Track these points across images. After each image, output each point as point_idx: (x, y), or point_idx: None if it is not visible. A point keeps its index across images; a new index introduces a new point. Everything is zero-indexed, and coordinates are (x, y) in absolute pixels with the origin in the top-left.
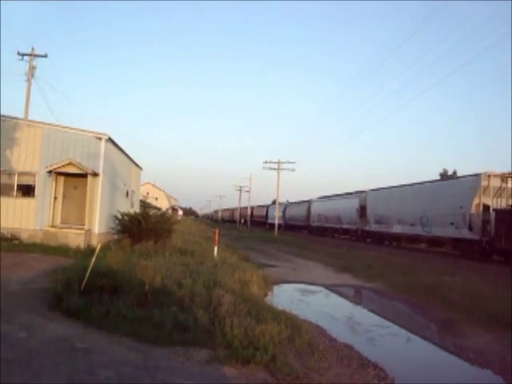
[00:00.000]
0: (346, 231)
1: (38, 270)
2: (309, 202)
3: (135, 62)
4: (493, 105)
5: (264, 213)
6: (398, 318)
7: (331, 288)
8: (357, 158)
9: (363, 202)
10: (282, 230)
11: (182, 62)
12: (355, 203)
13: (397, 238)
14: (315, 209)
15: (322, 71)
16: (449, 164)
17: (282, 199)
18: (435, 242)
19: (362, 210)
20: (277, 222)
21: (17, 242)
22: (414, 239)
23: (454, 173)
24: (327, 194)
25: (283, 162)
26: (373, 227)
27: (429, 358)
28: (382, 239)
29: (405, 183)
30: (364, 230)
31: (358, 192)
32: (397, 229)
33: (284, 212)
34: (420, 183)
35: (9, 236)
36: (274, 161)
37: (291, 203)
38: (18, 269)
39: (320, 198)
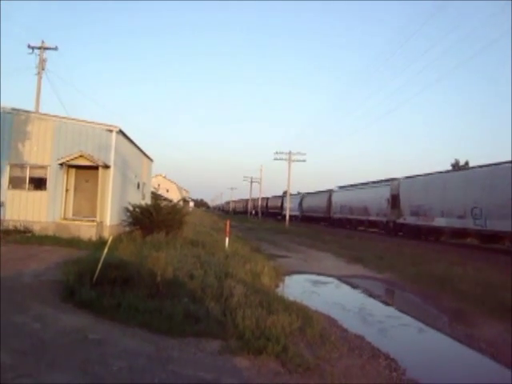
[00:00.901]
0: (373, 223)
1: (50, 262)
2: (329, 191)
3: (147, 54)
4: (503, 95)
5: (279, 204)
6: (409, 308)
7: (342, 279)
8: (367, 149)
9: (395, 190)
10: (297, 222)
11: (194, 53)
12: (385, 192)
13: (439, 232)
14: (337, 199)
15: (334, 61)
16: (455, 155)
17: (293, 191)
18: (490, 236)
19: (394, 200)
20: (288, 213)
21: (29, 234)
22: (460, 233)
23: (466, 163)
24: (346, 184)
25: (294, 153)
26: (408, 219)
27: (440, 348)
28: (419, 233)
29: (445, 170)
30: (397, 222)
31: (388, 180)
32: (439, 222)
33: (300, 203)
34: (470, 168)
35: (21, 228)
36: (284, 152)
37: (309, 193)
38: (31, 261)
39: (342, 187)
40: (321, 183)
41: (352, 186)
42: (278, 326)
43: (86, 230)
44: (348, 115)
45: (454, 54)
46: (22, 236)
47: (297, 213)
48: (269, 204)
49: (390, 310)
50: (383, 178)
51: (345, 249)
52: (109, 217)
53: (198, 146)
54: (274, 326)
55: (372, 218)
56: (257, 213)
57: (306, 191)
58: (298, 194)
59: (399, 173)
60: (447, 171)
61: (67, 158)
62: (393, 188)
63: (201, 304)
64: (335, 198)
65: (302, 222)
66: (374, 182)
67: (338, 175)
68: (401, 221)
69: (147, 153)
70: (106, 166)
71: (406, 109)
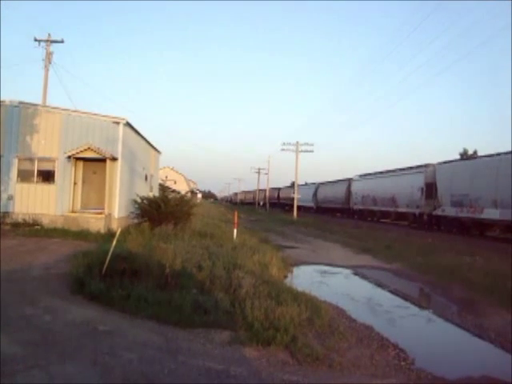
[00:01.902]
0: (402, 216)
1: (59, 254)
2: (348, 180)
3: (154, 46)
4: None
5: (291, 195)
6: (417, 298)
7: (350, 269)
8: (374, 140)
9: (430, 178)
10: (311, 214)
11: (202, 46)
12: (418, 180)
13: (487, 226)
14: (358, 189)
15: (342, 51)
16: (460, 144)
17: (301, 182)
18: None
19: (430, 189)
20: (296, 203)
21: (38, 227)
22: None
23: (475, 152)
24: (367, 172)
25: (301, 144)
26: (448, 211)
27: (449, 338)
28: (460, 227)
29: (497, 152)
30: (434, 214)
31: (420, 166)
32: (490, 213)
33: (315, 193)
34: None
35: (30, 221)
36: (292, 143)
37: (324, 183)
38: (40, 253)
39: (364, 175)
40: (329, 174)
41: (375, 173)
42: (287, 316)
43: (95, 223)
44: (355, 105)
45: (467, 42)
46: (31, 229)
47: (311, 204)
48: (280, 195)
49: (399, 300)
50: (414, 164)
51: (353, 239)
52: (117, 209)
53: (205, 138)
54: (283, 317)
55: (401, 209)
56: (265, 204)
57: (315, 181)
58: (312, 184)
59: (407, 163)
60: (498, 153)
61: (75, 151)
62: (427, 175)
63: (209, 295)
64: (355, 188)
65: (317, 214)
66: (402, 169)
67: (344, 166)
68: (438, 213)
69: (155, 145)
70: (114, 159)
71: (415, 98)
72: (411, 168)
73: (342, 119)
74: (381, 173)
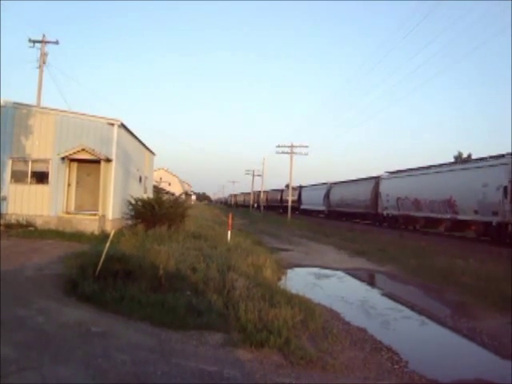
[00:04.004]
0: (463, 225)
1: (53, 255)
2: (375, 179)
3: (150, 48)
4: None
5: (295, 197)
6: (411, 301)
7: (345, 272)
8: (369, 142)
9: None
10: (322, 219)
11: (197, 48)
12: (497, 176)
13: None
14: (390, 189)
15: (335, 55)
16: (454, 147)
17: (295, 184)
18: None
19: None
20: (290, 205)
21: (32, 228)
22: None
23: (469, 156)
24: (397, 169)
25: (296, 146)
26: None
27: (443, 341)
28: None
29: None
30: None
31: (496, 157)
32: None
33: (327, 195)
34: None
35: (24, 223)
36: (286, 145)
37: (339, 183)
38: (34, 255)
39: (396, 172)
40: (324, 177)
41: (417, 169)
42: (281, 318)
43: (88, 224)
44: (350, 107)
45: (460, 46)
46: (25, 230)
47: (321, 207)
48: (283, 197)
49: (393, 303)
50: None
51: (347, 241)
52: (111, 210)
53: (200, 140)
54: (277, 319)
55: (463, 216)
56: (259, 206)
57: (326, 181)
58: (323, 184)
59: (401, 166)
60: None
61: (69, 152)
62: (508, 170)
63: (203, 297)
64: (386, 188)
65: (329, 219)
66: (464, 162)
67: (340, 168)
68: None
69: (149, 146)
70: (108, 160)
71: (409, 102)
72: (482, 160)
73: (336, 122)
74: (427, 168)
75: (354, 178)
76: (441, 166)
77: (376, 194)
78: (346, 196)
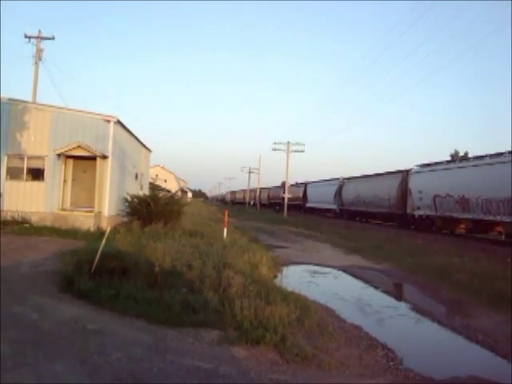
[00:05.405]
0: None
1: (48, 252)
2: (403, 173)
3: (145, 43)
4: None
5: (300, 194)
6: (406, 298)
7: (340, 269)
8: (365, 140)
9: None
10: (334, 219)
11: (192, 44)
12: None
13: None
14: (424, 185)
15: (332, 53)
16: (451, 145)
17: (292, 181)
18: None
19: None
20: (286, 202)
21: (27, 225)
22: None
23: (466, 154)
24: (432, 161)
25: (293, 144)
26: None
27: (438, 339)
28: None
29: None
30: None
31: None
32: None
33: (339, 192)
34: None
35: (19, 219)
36: (283, 142)
37: (353, 178)
38: (29, 251)
39: (430, 164)
40: (320, 175)
41: (464, 160)
42: (276, 316)
43: (84, 221)
44: (347, 105)
45: (459, 43)
46: (20, 227)
47: (331, 206)
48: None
49: (388, 301)
50: None
51: (343, 239)
52: (107, 207)
53: (196, 137)
54: (272, 317)
55: None
56: (255, 203)
57: (338, 176)
58: (334, 179)
59: (399, 165)
60: None
61: (65, 149)
62: None
63: (199, 294)
64: (418, 184)
65: (342, 220)
66: None
67: (337, 166)
68: None
69: (145, 143)
70: (104, 157)
71: (405, 99)
72: None
73: (333, 119)
74: (478, 158)
75: (372, 173)
76: (499, 155)
77: (404, 190)
78: (364, 193)
